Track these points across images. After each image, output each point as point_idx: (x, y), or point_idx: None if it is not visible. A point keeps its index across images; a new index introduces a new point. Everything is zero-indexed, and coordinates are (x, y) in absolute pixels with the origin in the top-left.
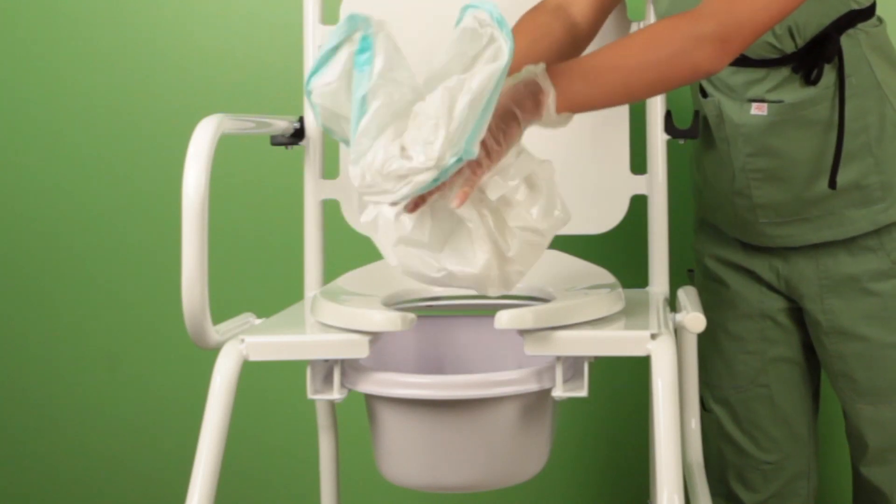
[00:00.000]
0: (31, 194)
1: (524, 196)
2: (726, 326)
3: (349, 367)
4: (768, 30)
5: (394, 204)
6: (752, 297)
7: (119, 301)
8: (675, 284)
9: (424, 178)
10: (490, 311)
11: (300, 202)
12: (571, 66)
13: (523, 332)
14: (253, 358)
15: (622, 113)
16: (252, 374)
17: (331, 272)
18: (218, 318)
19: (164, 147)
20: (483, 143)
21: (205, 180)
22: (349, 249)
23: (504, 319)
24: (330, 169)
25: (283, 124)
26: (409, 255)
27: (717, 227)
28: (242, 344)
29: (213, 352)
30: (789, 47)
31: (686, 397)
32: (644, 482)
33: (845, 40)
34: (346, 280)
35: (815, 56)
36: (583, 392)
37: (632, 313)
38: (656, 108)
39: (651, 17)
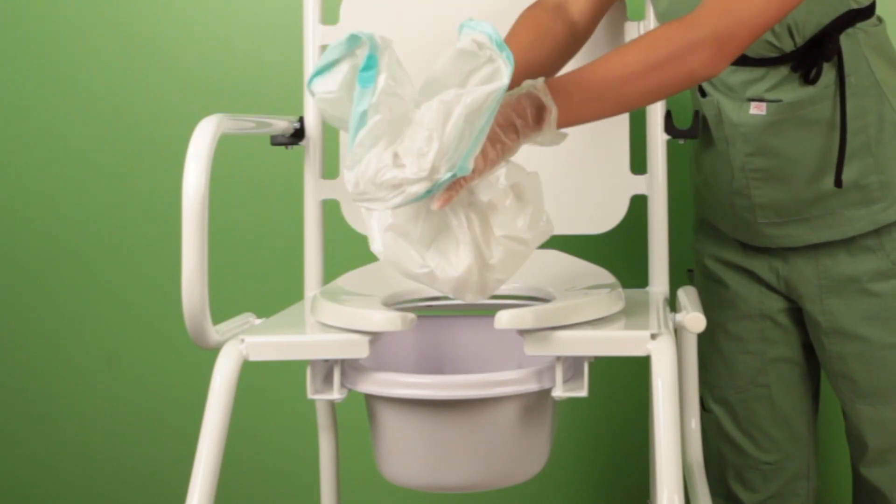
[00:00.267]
0: (31, 194)
1: (512, 203)
2: (726, 326)
3: (349, 367)
4: (764, 33)
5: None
6: (751, 297)
7: (119, 301)
8: (675, 284)
9: (417, 190)
10: (490, 311)
11: (300, 202)
12: (570, 81)
13: (523, 332)
14: (253, 358)
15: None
16: (252, 374)
17: (331, 272)
18: (218, 318)
19: (164, 147)
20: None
21: (205, 180)
22: (349, 249)
23: (504, 319)
24: (330, 169)
25: (283, 124)
26: (396, 246)
27: (717, 228)
28: (242, 344)
29: (213, 352)
30: (788, 46)
31: (686, 397)
32: (644, 482)
33: (844, 39)
34: (346, 280)
35: (814, 55)
36: (583, 392)
37: (632, 313)
38: (656, 108)
39: (651, 17)
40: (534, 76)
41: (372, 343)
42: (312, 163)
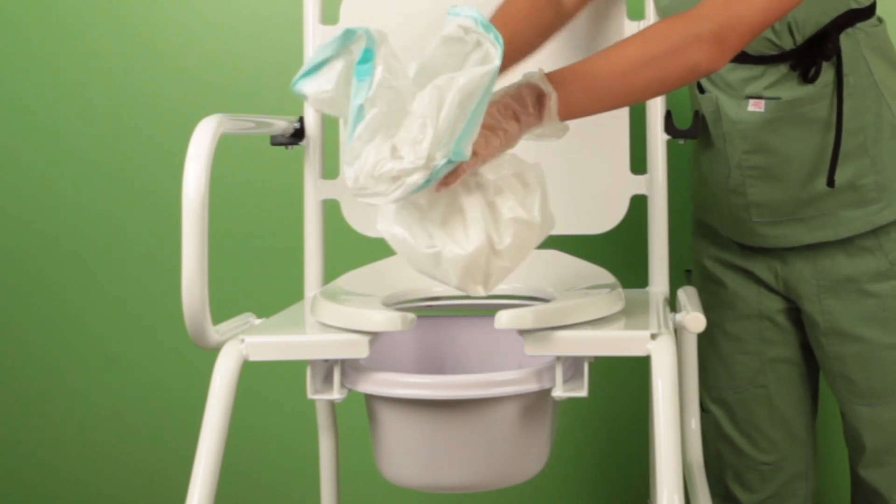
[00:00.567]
0: (32, 194)
1: (520, 189)
2: (724, 327)
3: (349, 367)
4: (765, 29)
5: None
6: (750, 297)
7: (119, 301)
8: (675, 284)
9: (416, 180)
10: (490, 311)
11: (300, 202)
12: (569, 72)
13: (523, 332)
14: (253, 358)
15: (622, 113)
16: (252, 374)
17: (331, 272)
18: (218, 318)
19: (164, 147)
20: (481, 135)
21: (205, 180)
22: (349, 249)
23: (504, 319)
24: (330, 169)
25: (283, 124)
26: (402, 227)
27: (714, 227)
28: (242, 344)
29: (213, 352)
30: (788, 44)
31: (686, 397)
32: (644, 482)
33: (844, 39)
34: (346, 280)
35: (813, 54)
36: (583, 392)
37: (632, 313)
38: (656, 108)
39: (651, 17)
40: (518, 51)
41: (372, 343)
42: (312, 163)
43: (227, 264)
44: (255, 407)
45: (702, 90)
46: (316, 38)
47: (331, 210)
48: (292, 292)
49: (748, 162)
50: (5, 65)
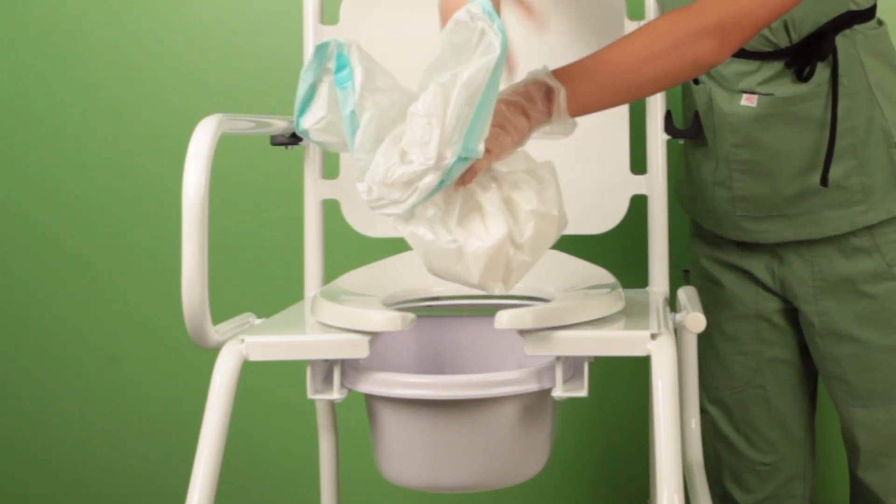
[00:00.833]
0: (32, 194)
1: (535, 182)
2: (722, 327)
3: (349, 367)
4: (769, 23)
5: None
6: (747, 297)
7: (119, 301)
8: (675, 284)
9: (430, 182)
10: (490, 311)
11: (300, 202)
12: (575, 68)
13: (523, 332)
14: (253, 358)
15: (622, 113)
16: (252, 374)
17: (331, 272)
18: (218, 318)
19: (164, 147)
20: (492, 133)
21: (205, 180)
22: (349, 249)
23: (504, 319)
24: (330, 169)
25: (282, 124)
26: (421, 225)
27: (700, 224)
28: (242, 344)
29: (213, 352)
30: (783, 42)
31: (686, 397)
32: (644, 482)
33: (841, 40)
34: (346, 280)
35: (808, 53)
36: (583, 392)
37: (632, 313)
38: (656, 108)
39: (651, 17)
40: None
41: (372, 343)
42: (312, 163)
43: (227, 264)
44: (255, 407)
45: (696, 81)
46: (316, 38)
47: (331, 210)
48: (292, 292)
49: (736, 156)
50: (6, 65)
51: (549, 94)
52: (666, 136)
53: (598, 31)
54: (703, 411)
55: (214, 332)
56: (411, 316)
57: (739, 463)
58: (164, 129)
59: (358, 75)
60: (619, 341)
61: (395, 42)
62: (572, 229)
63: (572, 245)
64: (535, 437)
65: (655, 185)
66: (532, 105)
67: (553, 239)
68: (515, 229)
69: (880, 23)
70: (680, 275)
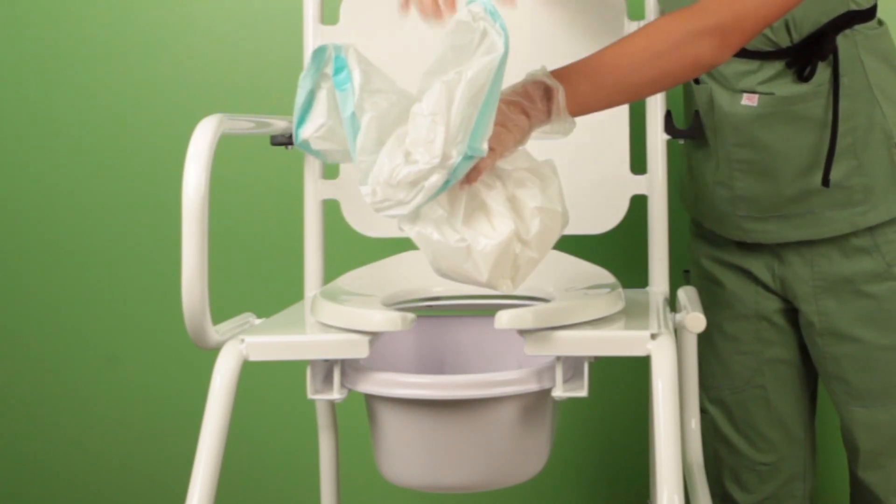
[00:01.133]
0: (31, 194)
1: (538, 180)
2: (722, 327)
3: (349, 367)
4: (770, 24)
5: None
6: (747, 297)
7: (119, 301)
8: (675, 284)
9: (435, 181)
10: (490, 311)
11: (300, 202)
12: (574, 68)
13: (523, 332)
14: (253, 358)
15: (622, 113)
16: (252, 374)
17: (331, 272)
18: (218, 318)
19: (164, 147)
20: (494, 131)
21: (205, 180)
22: (349, 249)
23: (504, 319)
24: (330, 169)
25: (282, 124)
26: (428, 225)
27: (702, 224)
28: (242, 344)
29: (213, 352)
30: (784, 41)
31: (686, 397)
32: (644, 482)
33: (841, 40)
34: (346, 280)
35: (809, 53)
36: (583, 392)
37: (632, 313)
38: (656, 108)
39: (651, 17)
40: None
41: (372, 343)
42: (312, 163)
43: (227, 264)
44: (256, 407)
45: (697, 80)
46: (316, 38)
47: (331, 210)
48: (292, 292)
49: (737, 155)
50: (5, 64)
51: (547, 93)
52: (666, 136)
53: (598, 31)
54: (703, 411)
55: (214, 332)
56: (411, 316)
57: (739, 463)
58: (164, 129)
59: (356, 76)
60: (619, 341)
61: (395, 42)
62: (572, 229)
63: (572, 245)
64: (535, 437)
65: (655, 185)
66: (531, 104)
67: (558, 235)
68: (521, 226)
69: (880, 23)
70: (680, 275)
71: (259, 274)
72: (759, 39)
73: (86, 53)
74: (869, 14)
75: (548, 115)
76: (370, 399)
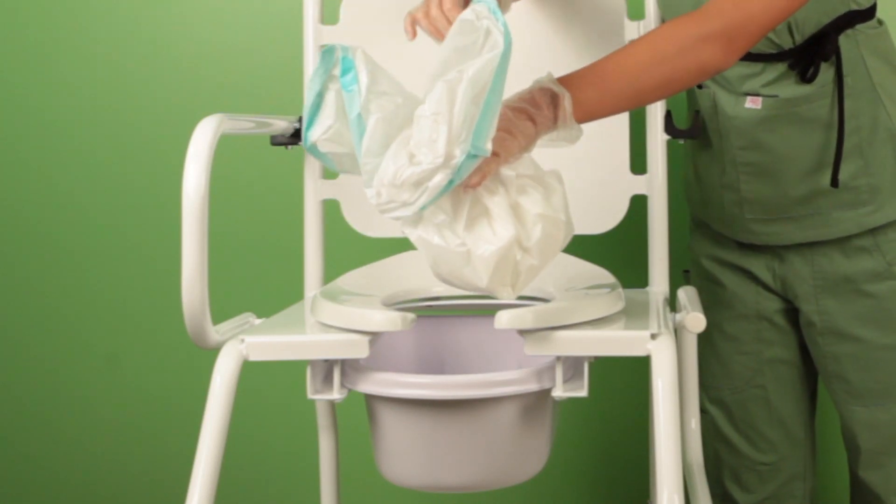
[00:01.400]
0: (31, 194)
1: (542, 188)
2: (722, 327)
3: (349, 367)
4: (774, 27)
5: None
6: (748, 297)
7: (119, 301)
8: (675, 284)
9: (439, 181)
10: (490, 311)
11: (300, 202)
12: (580, 75)
13: (523, 332)
14: (253, 358)
15: (622, 113)
16: (252, 374)
17: (331, 272)
18: (218, 318)
19: (164, 147)
20: (499, 136)
21: (205, 180)
22: (349, 249)
23: (504, 319)
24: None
25: (282, 124)
26: (430, 229)
27: (709, 225)
28: (242, 344)
29: (213, 352)
30: (787, 43)
31: (686, 397)
32: (644, 482)
33: (843, 40)
34: (346, 280)
35: (811, 54)
36: (583, 392)
37: (632, 313)
38: (656, 108)
39: (651, 17)
40: None
41: (372, 343)
42: (312, 163)
43: (227, 264)
44: (255, 407)
45: (700, 85)
46: (316, 38)
47: (331, 210)
48: (292, 292)
49: (743, 158)
50: (5, 65)
51: (554, 99)
52: (666, 136)
53: (599, 32)
54: (703, 411)
55: (214, 332)
56: (411, 316)
57: (740, 463)
58: (163, 129)
59: (363, 78)
60: (619, 341)
61: (396, 42)
62: None
63: (572, 245)
64: (535, 437)
65: (655, 185)
66: (538, 111)
67: (561, 244)
68: (523, 233)
69: (880, 22)
70: (680, 275)
71: (259, 274)
72: (762, 42)
73: (86, 53)
74: (869, 14)
75: (554, 121)
76: (370, 399)
